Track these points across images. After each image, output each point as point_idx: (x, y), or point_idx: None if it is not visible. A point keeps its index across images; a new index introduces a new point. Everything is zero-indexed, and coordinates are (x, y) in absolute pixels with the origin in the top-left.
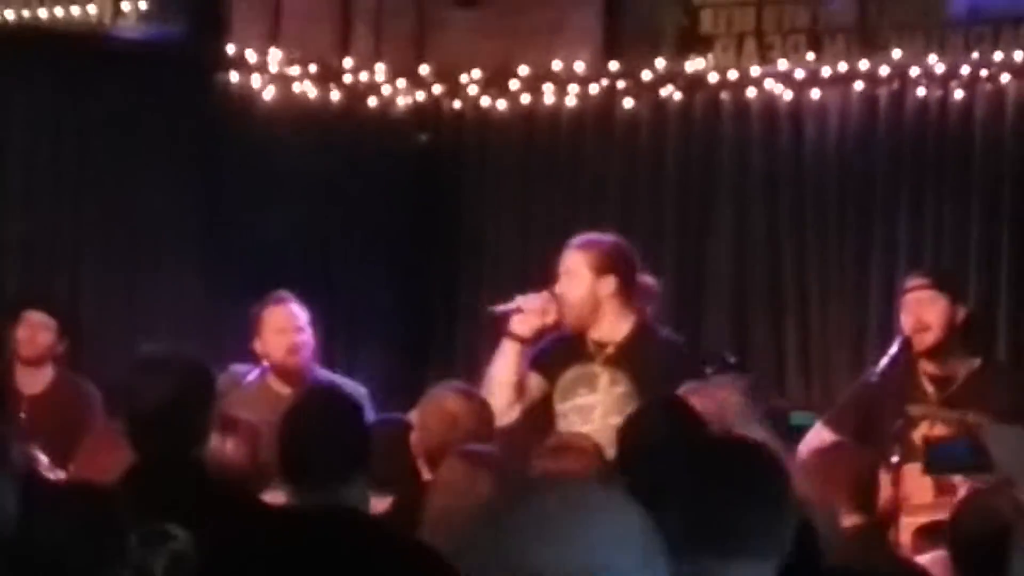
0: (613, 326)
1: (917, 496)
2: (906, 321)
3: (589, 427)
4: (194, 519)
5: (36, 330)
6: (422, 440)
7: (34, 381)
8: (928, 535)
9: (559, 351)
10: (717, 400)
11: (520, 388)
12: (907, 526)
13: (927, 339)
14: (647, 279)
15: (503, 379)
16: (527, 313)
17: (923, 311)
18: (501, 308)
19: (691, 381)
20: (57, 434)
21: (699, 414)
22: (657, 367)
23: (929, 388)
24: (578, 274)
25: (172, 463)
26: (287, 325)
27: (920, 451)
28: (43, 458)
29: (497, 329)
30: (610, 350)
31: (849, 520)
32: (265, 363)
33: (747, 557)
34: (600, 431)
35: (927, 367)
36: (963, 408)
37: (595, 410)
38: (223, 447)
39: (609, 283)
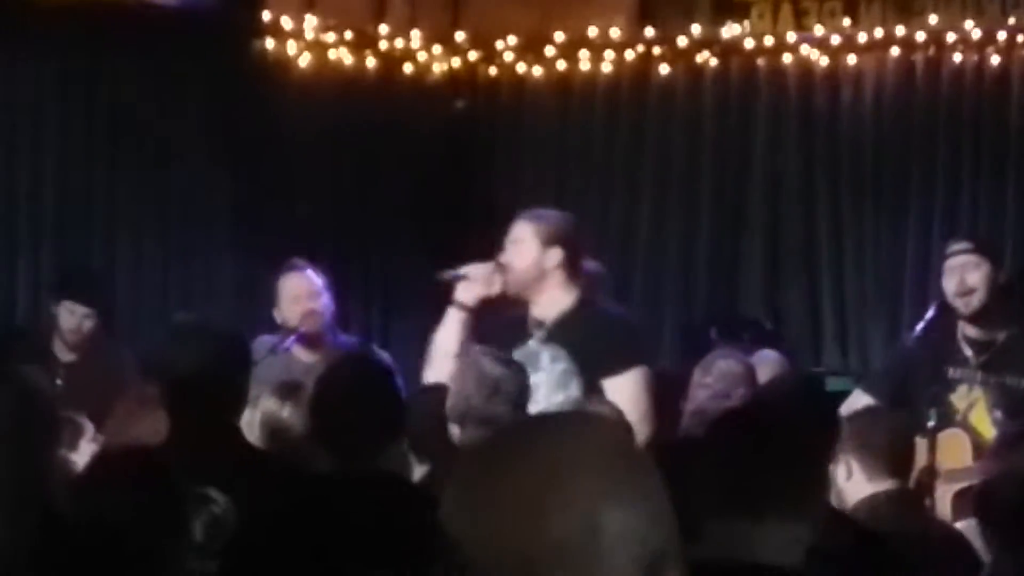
0: (554, 300)
1: (954, 460)
2: (949, 285)
3: (534, 407)
4: (232, 484)
5: (78, 320)
6: (457, 405)
7: (70, 353)
8: (967, 500)
9: (502, 331)
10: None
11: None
12: (945, 491)
13: (972, 302)
14: (593, 264)
15: (446, 348)
16: (472, 281)
17: (967, 275)
18: (449, 274)
19: (640, 355)
20: (93, 399)
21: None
22: (598, 342)
23: (968, 352)
24: (525, 243)
25: (209, 430)
26: (301, 292)
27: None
28: (89, 426)
29: (446, 296)
30: (549, 325)
31: (883, 485)
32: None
33: (779, 519)
34: (545, 408)
35: (968, 331)
36: (1002, 372)
37: (539, 390)
38: (281, 412)
39: (555, 255)
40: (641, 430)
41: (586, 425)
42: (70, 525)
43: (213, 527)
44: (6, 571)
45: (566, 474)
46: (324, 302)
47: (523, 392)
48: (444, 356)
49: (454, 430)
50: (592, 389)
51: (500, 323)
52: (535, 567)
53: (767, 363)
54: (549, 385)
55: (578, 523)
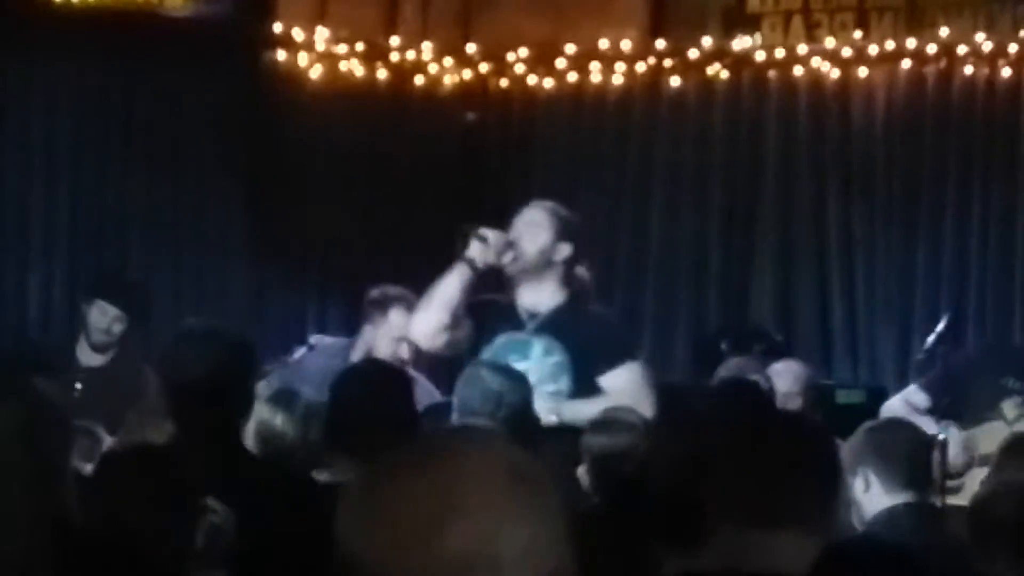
0: (551, 293)
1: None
2: None
3: None
4: (233, 493)
5: (108, 320)
6: (462, 420)
7: (95, 355)
8: None
9: (490, 313)
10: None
11: (456, 318)
12: (977, 475)
13: None
14: (582, 270)
15: (444, 296)
16: (488, 245)
17: None
18: (473, 229)
19: (634, 349)
20: (112, 407)
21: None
22: (591, 339)
23: None
24: (541, 230)
25: (211, 437)
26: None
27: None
28: (105, 438)
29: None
30: (542, 317)
31: (902, 497)
32: None
33: (792, 529)
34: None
35: None
36: None
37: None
38: (274, 420)
39: (564, 250)
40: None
41: (487, 444)
42: (82, 534)
43: (213, 536)
44: None
45: (466, 492)
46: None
47: (526, 403)
48: (440, 306)
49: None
50: (584, 384)
51: (486, 303)
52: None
53: (787, 373)
54: (539, 376)
55: (476, 541)
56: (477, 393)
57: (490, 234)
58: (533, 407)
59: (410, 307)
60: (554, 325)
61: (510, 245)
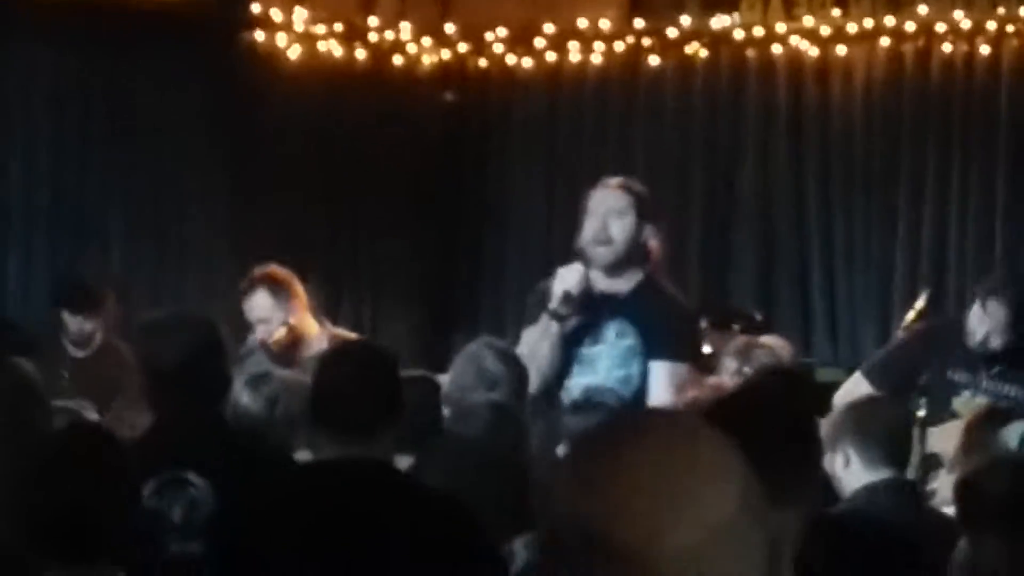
0: (632, 274)
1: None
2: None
3: (593, 378)
4: (213, 470)
5: (79, 324)
6: (451, 395)
7: (78, 349)
8: None
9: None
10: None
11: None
12: (948, 482)
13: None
14: (655, 244)
15: (539, 360)
16: (574, 295)
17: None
18: (561, 294)
19: (697, 350)
20: (101, 394)
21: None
22: (664, 322)
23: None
24: (625, 216)
25: (191, 417)
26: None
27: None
28: (96, 418)
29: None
30: (621, 298)
31: (881, 474)
32: None
33: (777, 505)
34: (603, 383)
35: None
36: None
37: (600, 361)
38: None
39: (647, 231)
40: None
41: (705, 426)
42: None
43: (191, 509)
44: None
45: (712, 470)
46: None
47: (523, 383)
48: (538, 371)
49: (447, 417)
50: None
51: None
52: (679, 560)
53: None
54: (611, 359)
55: (706, 532)
56: (473, 370)
57: (570, 284)
58: (527, 391)
59: (272, 288)
60: (628, 308)
61: (608, 247)
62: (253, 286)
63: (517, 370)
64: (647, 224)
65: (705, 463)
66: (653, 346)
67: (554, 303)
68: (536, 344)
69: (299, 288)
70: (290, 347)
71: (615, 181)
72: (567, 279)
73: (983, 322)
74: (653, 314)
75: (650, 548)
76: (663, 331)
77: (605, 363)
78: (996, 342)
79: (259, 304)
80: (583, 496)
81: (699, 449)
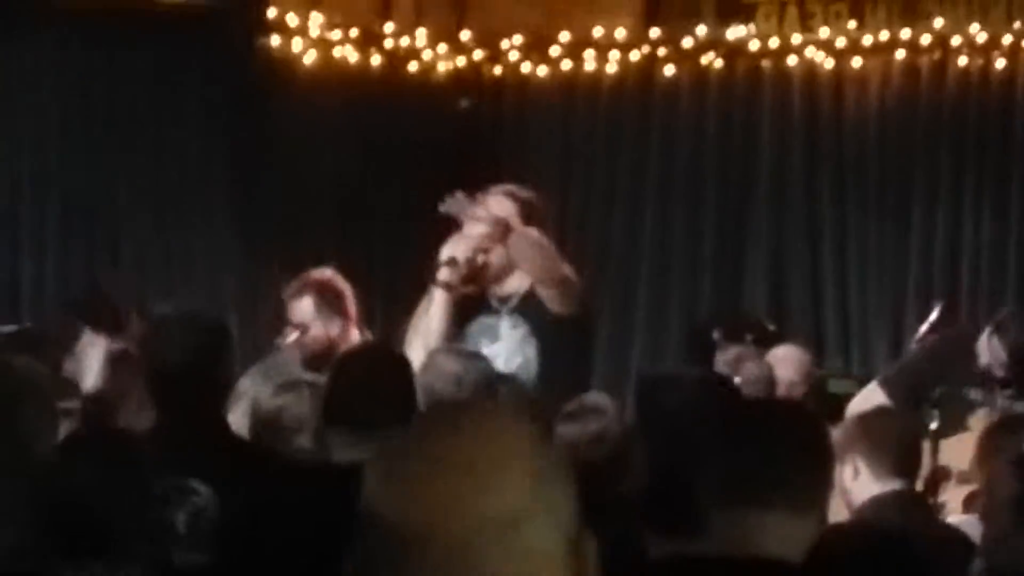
0: (519, 278)
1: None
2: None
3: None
4: (216, 475)
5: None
6: (426, 401)
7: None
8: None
9: (464, 303)
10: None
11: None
12: (956, 495)
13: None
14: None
15: (430, 329)
16: (459, 264)
17: None
18: (444, 259)
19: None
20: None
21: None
22: (554, 317)
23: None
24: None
25: (194, 420)
26: None
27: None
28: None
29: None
30: (514, 302)
31: (890, 485)
32: None
33: (784, 511)
34: (504, 371)
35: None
36: None
37: (500, 357)
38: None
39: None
40: None
41: (516, 411)
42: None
43: (195, 518)
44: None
45: (506, 450)
46: None
47: (488, 378)
48: (427, 342)
49: None
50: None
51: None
52: (473, 542)
53: (788, 360)
54: (509, 350)
55: (520, 497)
56: (434, 377)
57: (457, 251)
58: (495, 384)
59: (319, 296)
60: (524, 305)
61: (481, 250)
62: (301, 291)
63: (477, 364)
64: (530, 228)
65: (501, 452)
66: (549, 340)
67: (441, 272)
68: (422, 319)
69: (350, 301)
70: (323, 355)
71: (501, 189)
72: (456, 246)
73: (986, 353)
74: (542, 310)
75: (439, 531)
76: (556, 325)
77: (503, 358)
78: (1000, 372)
79: (302, 309)
80: (385, 484)
81: (499, 439)
